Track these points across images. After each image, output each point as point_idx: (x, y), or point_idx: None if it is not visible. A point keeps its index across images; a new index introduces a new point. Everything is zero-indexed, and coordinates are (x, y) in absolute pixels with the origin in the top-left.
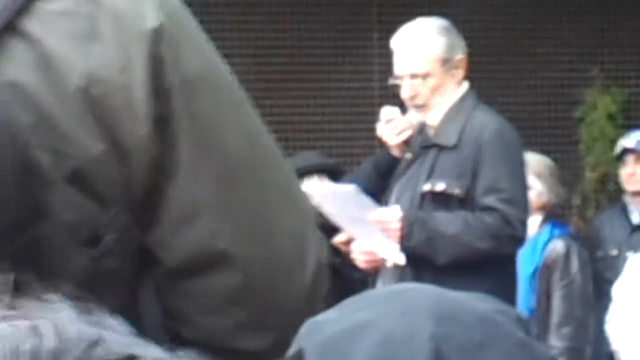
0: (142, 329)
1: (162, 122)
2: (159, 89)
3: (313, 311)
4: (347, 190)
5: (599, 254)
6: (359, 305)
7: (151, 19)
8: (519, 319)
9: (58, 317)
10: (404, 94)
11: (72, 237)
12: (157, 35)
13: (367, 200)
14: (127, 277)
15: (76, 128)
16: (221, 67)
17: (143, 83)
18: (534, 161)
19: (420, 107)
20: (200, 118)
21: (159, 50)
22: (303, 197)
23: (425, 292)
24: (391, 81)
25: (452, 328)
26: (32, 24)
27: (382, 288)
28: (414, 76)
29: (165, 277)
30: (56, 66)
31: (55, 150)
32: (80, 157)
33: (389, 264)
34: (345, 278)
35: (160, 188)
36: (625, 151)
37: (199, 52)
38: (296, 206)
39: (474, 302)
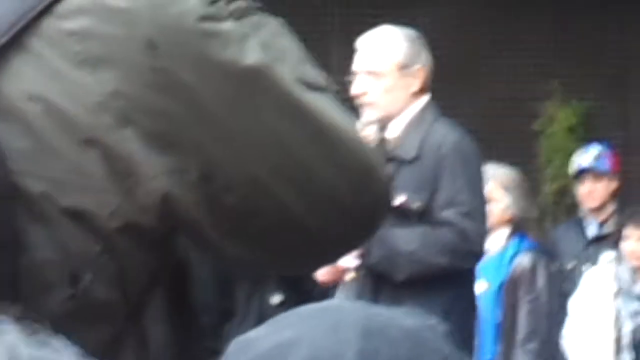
0: (145, 354)
1: (174, 146)
2: (170, 113)
3: None
4: None
5: (556, 266)
6: (287, 322)
7: (162, 40)
8: (448, 335)
9: (7, 339)
10: (355, 89)
11: (52, 273)
12: (168, 57)
13: None
14: (120, 308)
15: (79, 156)
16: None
17: (154, 111)
18: (502, 174)
19: (368, 106)
20: (230, 126)
21: (171, 71)
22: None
23: (352, 308)
24: (347, 78)
25: (379, 344)
26: (39, 43)
27: (310, 305)
28: (369, 73)
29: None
30: (63, 91)
31: (51, 179)
32: (81, 186)
33: (348, 277)
34: (305, 292)
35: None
36: (582, 170)
37: (202, 70)
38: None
39: (402, 318)
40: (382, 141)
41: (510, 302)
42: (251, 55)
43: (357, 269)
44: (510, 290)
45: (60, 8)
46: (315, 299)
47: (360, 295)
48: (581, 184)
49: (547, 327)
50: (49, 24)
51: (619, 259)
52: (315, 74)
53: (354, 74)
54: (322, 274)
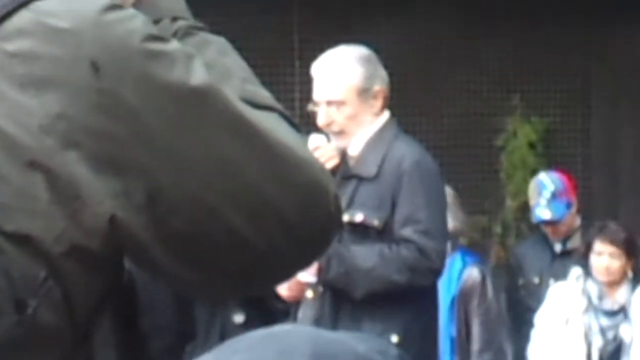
0: None
1: (119, 167)
2: (114, 134)
3: None
4: None
5: (521, 282)
6: (235, 347)
7: (104, 60)
8: (400, 358)
9: None
10: (320, 120)
11: (1, 300)
12: (110, 77)
13: None
14: (67, 333)
15: (24, 180)
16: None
17: (100, 132)
18: None
19: (337, 134)
20: (175, 148)
21: (113, 92)
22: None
23: (302, 333)
24: (309, 107)
25: None
26: None
27: (259, 330)
28: (329, 103)
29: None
30: (8, 114)
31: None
32: (26, 211)
33: (308, 295)
34: (269, 309)
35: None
36: (542, 222)
37: (143, 90)
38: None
39: (353, 342)
40: (343, 158)
41: (463, 315)
42: (196, 76)
43: (316, 285)
44: (461, 303)
45: (1, 30)
46: (278, 317)
47: (320, 313)
48: (544, 225)
49: (500, 337)
50: None
51: (587, 274)
52: (260, 93)
53: (315, 104)
54: (284, 290)
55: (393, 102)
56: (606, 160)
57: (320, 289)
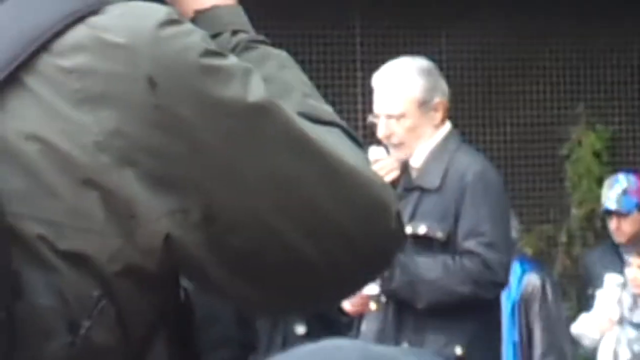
0: None
1: (177, 186)
2: (172, 155)
3: None
4: None
5: (590, 291)
6: None
7: (162, 75)
8: None
9: None
10: (380, 133)
11: (51, 320)
12: (168, 95)
13: None
14: (121, 353)
15: (78, 198)
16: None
17: (156, 151)
18: None
19: (396, 146)
20: (232, 165)
21: (172, 111)
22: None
23: (350, 347)
24: (369, 119)
25: None
26: (35, 81)
27: (308, 344)
28: (389, 116)
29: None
30: (61, 130)
31: (49, 222)
32: (80, 229)
33: (372, 307)
34: (331, 321)
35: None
36: (607, 211)
37: (202, 107)
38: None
39: (401, 356)
40: (406, 170)
41: (525, 320)
42: (254, 92)
43: (379, 295)
44: (523, 309)
45: (57, 45)
46: (340, 328)
47: (383, 325)
48: (609, 220)
49: (561, 341)
50: (46, 62)
51: (625, 284)
52: (321, 108)
53: (375, 116)
54: (349, 304)
55: (456, 113)
56: None
57: (384, 299)
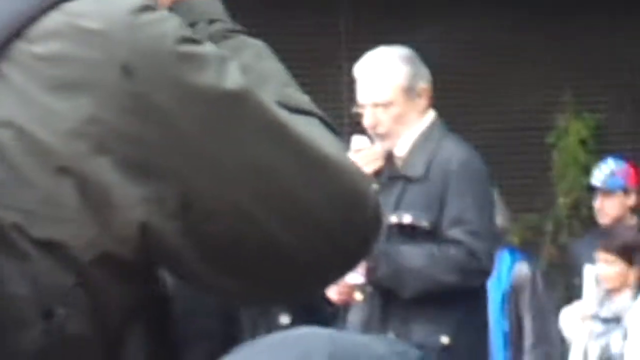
0: None
1: (154, 175)
2: (150, 142)
3: None
4: None
5: (576, 281)
6: (256, 351)
7: (139, 63)
8: None
9: None
10: (366, 122)
11: (25, 309)
12: (146, 82)
13: None
14: (97, 343)
15: (53, 186)
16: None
17: (134, 138)
18: None
19: (382, 136)
20: (208, 153)
21: (149, 98)
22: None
23: (321, 335)
24: (354, 109)
25: None
26: (9, 68)
27: (278, 333)
28: (376, 105)
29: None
30: (36, 118)
31: (23, 210)
32: (54, 218)
33: (357, 297)
34: (315, 311)
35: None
36: (593, 187)
37: (181, 94)
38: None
39: (373, 344)
40: (389, 159)
41: (515, 310)
42: (231, 79)
43: (364, 285)
44: (513, 299)
45: (31, 32)
46: (325, 318)
47: (369, 315)
48: (594, 200)
49: (552, 330)
50: (21, 49)
51: (598, 279)
52: (299, 97)
53: (360, 106)
54: (333, 294)
55: (443, 102)
56: None
57: (369, 289)
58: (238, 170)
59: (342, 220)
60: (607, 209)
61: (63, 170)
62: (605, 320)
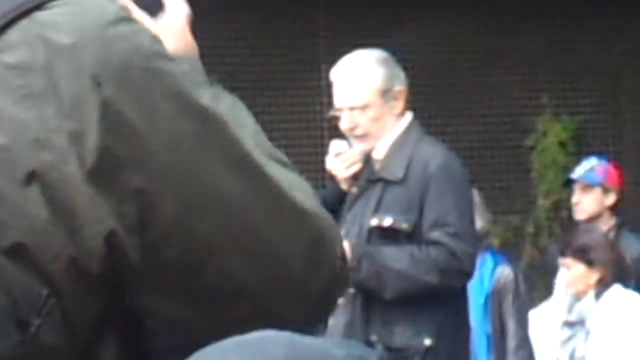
0: None
1: (122, 189)
2: (117, 155)
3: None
4: None
5: (556, 281)
6: (210, 355)
7: (110, 75)
8: None
9: None
10: (343, 125)
11: (3, 320)
12: (115, 94)
13: None
14: (69, 355)
15: (21, 196)
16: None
17: (98, 149)
18: None
19: (360, 138)
20: (173, 174)
21: (116, 110)
22: (306, 203)
23: (277, 339)
24: (331, 113)
25: None
26: None
27: (235, 337)
28: (352, 108)
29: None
30: (5, 128)
31: None
32: (23, 228)
33: (340, 300)
34: None
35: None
36: (571, 180)
37: (159, 108)
38: (302, 220)
39: (330, 347)
40: (368, 162)
41: (497, 313)
42: (204, 100)
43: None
44: (496, 301)
45: (0, 41)
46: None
47: (351, 318)
48: (573, 194)
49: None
50: None
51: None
52: (274, 148)
53: (338, 109)
54: None
55: (421, 104)
56: (638, 158)
57: (351, 290)
58: (202, 198)
59: (307, 266)
60: (583, 204)
61: (29, 181)
62: (572, 325)
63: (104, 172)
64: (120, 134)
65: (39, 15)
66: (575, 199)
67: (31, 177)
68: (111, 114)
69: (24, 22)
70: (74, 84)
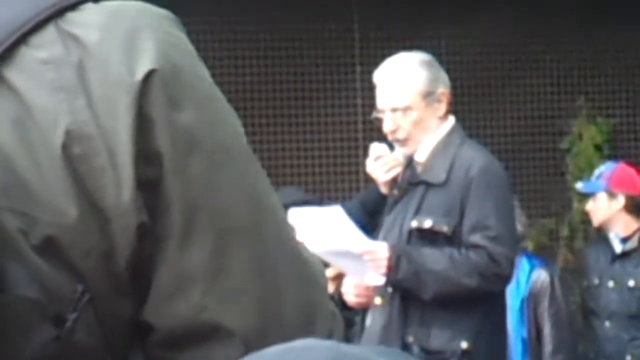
0: None
1: (150, 186)
2: (147, 151)
3: None
4: (332, 210)
5: (584, 284)
6: None
7: (142, 72)
8: None
9: None
10: (386, 127)
11: (35, 314)
12: (148, 90)
13: (351, 223)
14: (103, 354)
15: (51, 190)
16: (223, 120)
17: (128, 144)
18: None
19: (402, 141)
20: (194, 180)
21: (148, 107)
22: (312, 265)
23: (318, 348)
24: (374, 115)
25: None
26: (13, 73)
27: (275, 346)
28: (394, 110)
29: (160, 348)
30: (36, 121)
31: (25, 215)
32: (54, 224)
33: (378, 302)
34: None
35: (149, 257)
36: (582, 193)
37: (198, 106)
38: (304, 275)
39: (376, 357)
40: (410, 164)
41: (533, 317)
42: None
43: (384, 286)
44: (532, 305)
45: (35, 38)
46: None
47: (389, 319)
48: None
49: (572, 338)
50: (24, 54)
51: None
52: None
53: (380, 111)
54: (351, 297)
55: (458, 107)
56: None
57: (389, 290)
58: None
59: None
60: (593, 212)
61: (60, 174)
62: None
63: (139, 163)
64: (151, 122)
65: (71, 15)
66: (587, 207)
67: (62, 170)
68: (140, 112)
69: (58, 21)
70: (103, 81)
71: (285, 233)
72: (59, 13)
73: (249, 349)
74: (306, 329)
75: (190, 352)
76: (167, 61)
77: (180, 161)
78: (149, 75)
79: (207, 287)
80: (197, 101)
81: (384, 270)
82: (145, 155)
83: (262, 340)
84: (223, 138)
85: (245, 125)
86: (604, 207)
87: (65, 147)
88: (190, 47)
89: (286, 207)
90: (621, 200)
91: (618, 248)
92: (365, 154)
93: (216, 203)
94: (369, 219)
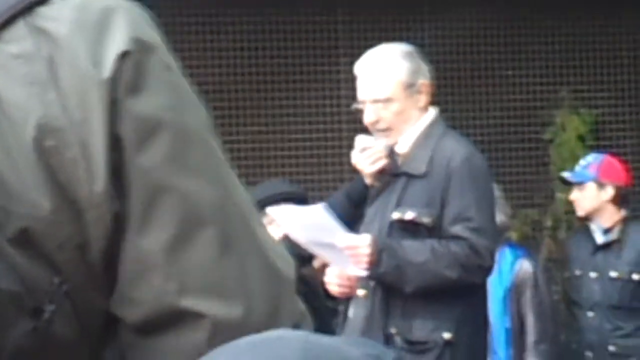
0: None
1: (115, 173)
2: (114, 138)
3: None
4: (314, 208)
5: (566, 274)
6: (221, 356)
7: (112, 58)
8: None
9: None
10: (367, 118)
11: (13, 306)
12: (118, 76)
13: (333, 221)
14: (80, 345)
15: (25, 183)
16: (187, 106)
17: (100, 134)
18: None
19: (383, 132)
20: (156, 164)
21: (115, 94)
22: (280, 257)
23: (292, 338)
24: (354, 106)
25: None
26: None
27: (248, 337)
28: (376, 101)
29: (131, 334)
30: (8, 115)
31: (2, 208)
32: (28, 216)
33: (360, 293)
34: (315, 308)
35: (117, 244)
36: (565, 181)
37: (162, 91)
38: (271, 266)
39: (346, 347)
40: (391, 156)
41: (516, 307)
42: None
43: (366, 279)
44: (515, 295)
45: (5, 34)
46: (325, 316)
47: (371, 311)
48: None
49: (554, 328)
50: None
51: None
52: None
53: (361, 102)
54: (334, 286)
55: (441, 98)
56: None
57: (372, 283)
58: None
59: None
60: (579, 201)
61: (34, 167)
62: None
63: (109, 152)
64: (118, 108)
65: (42, 9)
66: (572, 196)
67: (36, 163)
68: (113, 102)
69: (27, 17)
70: (73, 73)
71: (253, 219)
72: (29, 8)
73: (219, 332)
74: (271, 319)
75: (159, 338)
76: (137, 46)
77: (140, 145)
78: (120, 58)
79: (169, 271)
80: (162, 86)
81: (365, 264)
82: (113, 143)
83: (230, 323)
84: (187, 123)
85: (229, 116)
86: (591, 197)
87: (37, 140)
88: (158, 35)
89: (272, 199)
90: (610, 191)
91: (600, 239)
92: (349, 145)
93: (181, 186)
94: (355, 211)
